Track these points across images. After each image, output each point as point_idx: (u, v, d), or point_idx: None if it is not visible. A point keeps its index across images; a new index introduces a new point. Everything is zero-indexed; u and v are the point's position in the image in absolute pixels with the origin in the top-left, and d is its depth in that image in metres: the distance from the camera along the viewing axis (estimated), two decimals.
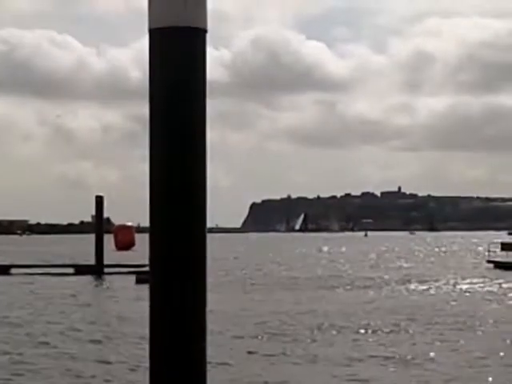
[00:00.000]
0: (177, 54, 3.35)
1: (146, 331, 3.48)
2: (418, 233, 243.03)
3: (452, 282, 40.47)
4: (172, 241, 3.36)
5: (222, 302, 26.38)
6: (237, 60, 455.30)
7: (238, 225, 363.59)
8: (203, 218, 3.43)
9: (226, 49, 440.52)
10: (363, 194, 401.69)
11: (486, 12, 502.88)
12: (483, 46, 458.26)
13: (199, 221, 3.41)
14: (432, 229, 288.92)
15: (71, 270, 44.06)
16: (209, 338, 3.46)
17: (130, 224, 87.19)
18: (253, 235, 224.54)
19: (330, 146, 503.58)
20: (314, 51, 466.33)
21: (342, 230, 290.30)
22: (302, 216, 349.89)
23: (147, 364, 3.46)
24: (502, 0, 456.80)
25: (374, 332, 20.89)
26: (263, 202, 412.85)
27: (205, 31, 3.42)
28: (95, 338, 19.65)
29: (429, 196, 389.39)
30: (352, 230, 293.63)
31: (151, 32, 3.41)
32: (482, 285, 38.58)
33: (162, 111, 3.38)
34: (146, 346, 3.50)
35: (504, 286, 38.14)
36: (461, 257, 74.01)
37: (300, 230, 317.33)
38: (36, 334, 20.49)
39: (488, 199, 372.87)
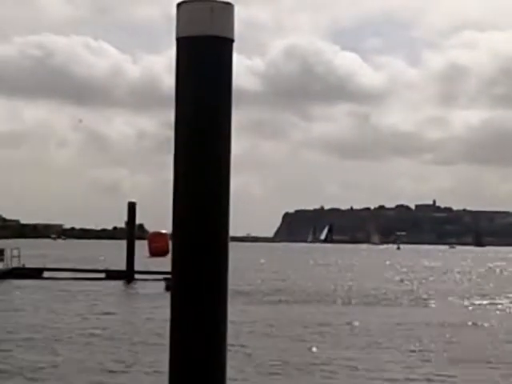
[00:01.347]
0: (203, 63, 3.37)
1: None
2: (458, 247, 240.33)
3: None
4: (194, 250, 3.37)
5: None
6: (270, 69, 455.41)
7: (271, 234, 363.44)
8: (226, 227, 3.44)
9: (259, 58, 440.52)
10: (397, 206, 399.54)
11: None
12: None
13: (222, 230, 3.41)
14: (479, 244, 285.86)
15: (102, 275, 44.28)
16: None
17: (164, 231, 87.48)
18: (281, 245, 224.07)
19: (363, 158, 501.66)
20: (347, 62, 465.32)
21: (382, 242, 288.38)
22: (327, 227, 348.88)
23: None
24: None
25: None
26: (296, 212, 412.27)
27: (232, 40, 3.44)
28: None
29: (464, 210, 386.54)
30: (394, 242, 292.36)
31: (178, 41, 3.43)
32: None
33: (187, 120, 3.40)
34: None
35: None
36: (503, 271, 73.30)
37: (326, 241, 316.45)
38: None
39: None
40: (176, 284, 3.44)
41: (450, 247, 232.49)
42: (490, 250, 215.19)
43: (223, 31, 3.38)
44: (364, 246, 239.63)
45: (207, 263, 3.37)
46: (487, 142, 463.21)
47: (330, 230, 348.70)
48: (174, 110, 3.44)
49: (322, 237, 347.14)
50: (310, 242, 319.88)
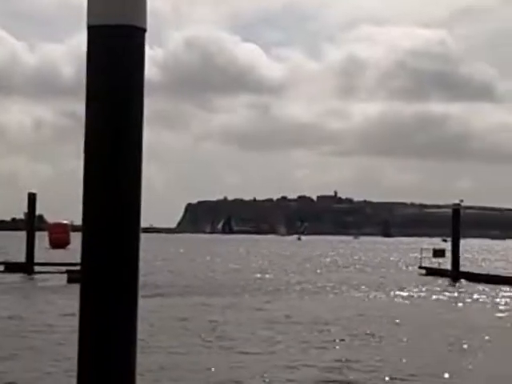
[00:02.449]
0: (115, 53, 3.31)
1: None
2: (364, 238, 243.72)
3: (383, 287, 40.99)
4: (105, 240, 3.32)
5: None
6: (170, 60, 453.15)
7: (174, 225, 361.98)
8: (137, 217, 3.40)
9: (160, 48, 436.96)
10: (299, 197, 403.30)
11: (416, 21, 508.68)
12: (414, 54, 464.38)
13: (133, 220, 3.38)
14: (387, 234, 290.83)
15: (1, 268, 43.35)
16: None
17: (65, 222, 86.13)
18: (180, 236, 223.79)
19: (264, 149, 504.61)
20: (248, 53, 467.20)
21: (290, 233, 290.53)
22: (223, 219, 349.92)
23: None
24: (430, 10, 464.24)
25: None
26: (199, 202, 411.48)
27: (144, 30, 3.39)
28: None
29: (364, 201, 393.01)
30: (302, 233, 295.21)
31: (90, 29, 3.36)
32: (409, 290, 39.13)
33: (99, 110, 3.34)
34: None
35: (429, 291, 38.78)
36: (396, 262, 74.96)
37: (224, 232, 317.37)
38: None
39: (422, 206, 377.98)
40: (86, 276, 3.38)
41: (355, 238, 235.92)
42: (397, 240, 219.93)
43: (136, 20, 3.33)
44: (269, 236, 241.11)
45: (118, 255, 3.33)
46: (385, 133, 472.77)
47: (228, 221, 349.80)
48: (85, 101, 3.37)
49: (219, 227, 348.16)
50: (209, 232, 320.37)
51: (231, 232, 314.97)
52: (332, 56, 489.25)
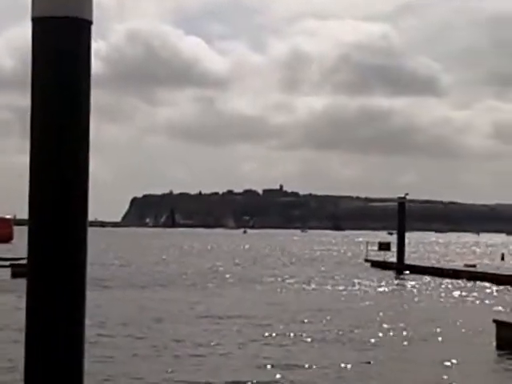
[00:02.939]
0: (61, 45, 3.28)
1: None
2: (314, 231, 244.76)
3: (326, 280, 41.31)
4: (52, 233, 3.30)
5: None
6: (113, 53, 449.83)
7: (119, 219, 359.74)
8: (84, 210, 3.38)
9: (103, 41, 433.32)
10: (245, 191, 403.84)
11: (361, 15, 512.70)
12: (358, 48, 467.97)
13: (80, 213, 3.36)
14: (337, 228, 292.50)
15: None
16: None
17: (7, 216, 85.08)
18: (128, 230, 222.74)
19: (210, 143, 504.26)
20: (192, 47, 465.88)
21: (239, 226, 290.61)
22: (168, 212, 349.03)
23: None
24: (374, 4, 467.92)
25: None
26: (144, 196, 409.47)
27: (90, 22, 3.37)
28: None
29: (310, 195, 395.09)
30: (252, 227, 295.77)
31: (34, 21, 3.32)
32: (353, 283, 39.50)
33: (44, 104, 3.31)
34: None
35: (374, 283, 39.21)
36: (342, 254, 75.58)
37: (167, 226, 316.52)
38: None
39: (367, 199, 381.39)
40: (32, 270, 3.35)
41: (302, 231, 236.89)
42: (347, 233, 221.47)
43: (82, 12, 3.30)
44: (217, 230, 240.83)
45: (65, 248, 3.31)
46: (330, 127, 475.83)
47: (171, 215, 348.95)
48: (31, 94, 3.34)
49: (162, 221, 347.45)
50: (151, 226, 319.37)
51: (174, 226, 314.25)
52: (277, 49, 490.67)
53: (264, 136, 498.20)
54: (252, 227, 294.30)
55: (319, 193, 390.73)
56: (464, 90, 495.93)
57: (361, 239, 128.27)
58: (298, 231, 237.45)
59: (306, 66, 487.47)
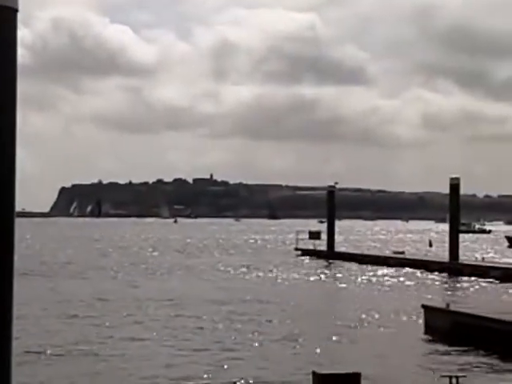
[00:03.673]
0: None
1: None
2: (249, 220, 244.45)
3: (256, 268, 41.50)
4: None
5: None
6: (38, 41, 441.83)
7: (47, 209, 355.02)
8: (12, 201, 3.34)
9: (27, 29, 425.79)
10: (175, 180, 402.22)
11: (288, 5, 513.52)
12: (285, 38, 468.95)
13: (7, 204, 3.32)
14: (273, 216, 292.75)
15: None
16: None
17: None
18: (55, 220, 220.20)
19: (138, 132, 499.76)
20: (117, 35, 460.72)
21: (174, 215, 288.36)
22: (94, 202, 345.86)
23: None
24: None
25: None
26: (73, 186, 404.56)
27: (16, 10, 3.32)
28: None
29: (240, 184, 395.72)
30: (189, 216, 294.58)
31: None
32: (283, 271, 39.78)
33: None
34: None
35: (304, 271, 39.55)
36: (274, 243, 75.95)
37: (93, 216, 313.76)
38: None
39: (297, 188, 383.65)
40: None
41: (236, 220, 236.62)
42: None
43: (7, 0, 3.25)
44: (151, 219, 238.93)
45: None
46: (258, 116, 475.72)
47: (98, 204, 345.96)
48: None
49: (88, 211, 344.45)
50: (77, 216, 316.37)
51: (100, 215, 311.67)
52: (204, 39, 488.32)
53: (192, 125, 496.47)
54: (188, 216, 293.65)
55: (249, 182, 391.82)
56: (391, 80, 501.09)
57: (293, 228, 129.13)
58: (231, 220, 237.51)
59: (233, 56, 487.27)
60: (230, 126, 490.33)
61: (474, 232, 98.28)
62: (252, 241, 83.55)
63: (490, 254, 56.20)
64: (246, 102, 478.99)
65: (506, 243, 73.42)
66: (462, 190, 44.06)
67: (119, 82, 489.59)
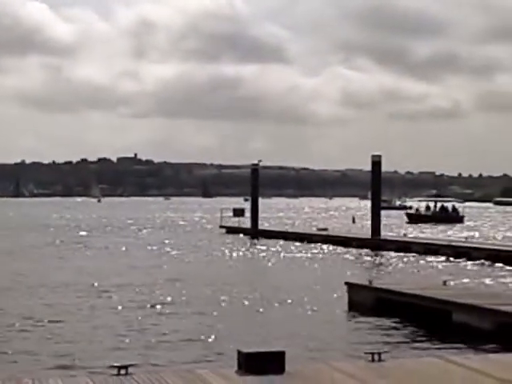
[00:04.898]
0: None
1: None
2: (177, 198, 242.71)
3: (181, 246, 41.42)
4: None
5: None
6: None
7: None
8: None
9: None
10: (99, 159, 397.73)
11: None
12: (205, 16, 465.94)
13: None
14: (206, 195, 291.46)
15: None
16: None
17: None
18: None
19: (60, 111, 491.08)
20: (36, 13, 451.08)
21: (104, 195, 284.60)
22: (15, 182, 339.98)
23: None
24: None
25: None
26: None
27: None
28: None
29: (164, 162, 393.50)
30: (121, 195, 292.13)
31: None
32: (207, 249, 39.78)
33: None
34: None
35: (228, 248, 39.63)
36: (200, 221, 75.84)
37: (14, 196, 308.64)
38: None
39: (221, 166, 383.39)
40: None
41: (165, 199, 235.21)
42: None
43: None
44: (79, 199, 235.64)
45: None
46: (180, 95, 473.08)
47: (17, 185, 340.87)
48: None
49: (10, 190, 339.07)
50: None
51: (19, 195, 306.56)
52: (124, 17, 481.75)
53: (114, 104, 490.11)
54: (121, 196, 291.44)
55: (173, 161, 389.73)
56: (312, 58, 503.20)
57: (219, 206, 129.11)
58: (160, 199, 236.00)
59: (153, 34, 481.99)
60: (152, 105, 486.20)
61: (395, 208, 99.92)
62: (179, 219, 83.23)
63: (410, 230, 57.21)
64: (167, 80, 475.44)
65: (406, 219, 74.42)
66: (384, 167, 44.68)
67: (39, 61, 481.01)
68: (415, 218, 73.27)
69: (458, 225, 68.12)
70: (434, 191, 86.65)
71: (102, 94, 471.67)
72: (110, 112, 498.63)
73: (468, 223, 71.66)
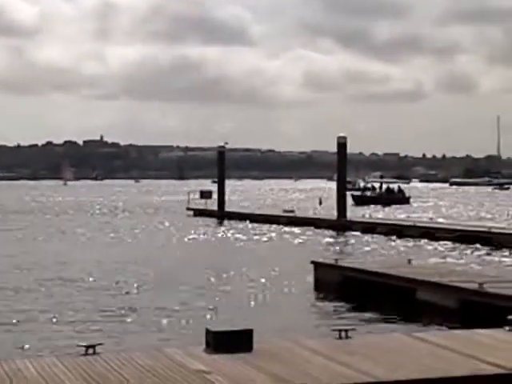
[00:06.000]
0: None
1: None
2: (143, 181, 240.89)
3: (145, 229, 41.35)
4: None
5: None
6: None
7: None
8: None
9: None
10: (65, 142, 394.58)
11: None
12: None
13: None
14: (181, 177, 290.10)
15: None
16: None
17: None
18: None
19: (23, 93, 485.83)
20: None
21: (78, 178, 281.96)
22: None
23: None
24: None
25: None
26: None
27: None
28: None
29: (130, 145, 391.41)
30: (95, 178, 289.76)
31: None
32: (174, 231, 39.78)
33: None
34: None
35: (195, 231, 39.67)
36: (165, 204, 75.66)
37: None
38: None
39: (187, 148, 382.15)
40: None
41: (136, 181, 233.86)
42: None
43: None
44: (50, 182, 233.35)
45: None
46: (145, 77, 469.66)
47: None
48: None
49: None
50: None
51: None
52: None
53: (78, 86, 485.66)
54: (95, 179, 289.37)
55: (139, 143, 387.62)
56: (274, 40, 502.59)
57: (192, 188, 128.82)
58: (131, 181, 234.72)
59: (117, 16, 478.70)
60: (116, 87, 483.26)
61: (359, 190, 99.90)
62: (146, 201, 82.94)
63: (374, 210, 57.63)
64: (132, 62, 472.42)
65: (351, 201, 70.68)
66: (349, 149, 44.83)
67: (1, 43, 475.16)
68: (361, 200, 71.65)
69: (405, 206, 67.72)
70: (379, 173, 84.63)
71: (65, 75, 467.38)
72: (75, 94, 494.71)
73: (415, 204, 71.40)
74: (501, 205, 69.56)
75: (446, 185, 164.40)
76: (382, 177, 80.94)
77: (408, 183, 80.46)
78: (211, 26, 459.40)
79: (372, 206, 66.14)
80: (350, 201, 69.25)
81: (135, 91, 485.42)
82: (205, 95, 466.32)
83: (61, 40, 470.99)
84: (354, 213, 48.42)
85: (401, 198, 72.69)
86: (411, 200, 73.51)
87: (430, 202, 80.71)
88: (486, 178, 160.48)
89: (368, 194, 75.13)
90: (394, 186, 76.38)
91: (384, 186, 75.66)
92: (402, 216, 49.36)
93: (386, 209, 62.60)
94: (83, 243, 33.26)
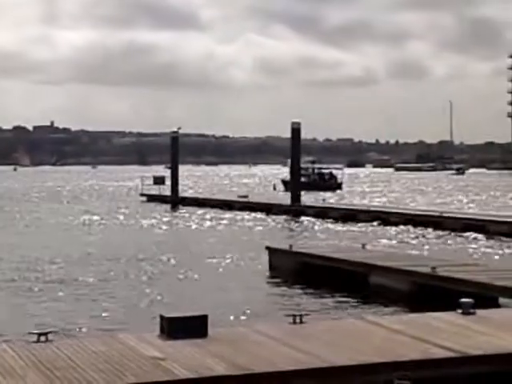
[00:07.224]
0: None
1: None
2: (100, 167, 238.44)
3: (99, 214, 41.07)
4: None
5: None
6: None
7: None
8: None
9: None
10: (14, 127, 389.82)
11: None
12: None
13: None
14: (143, 163, 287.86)
15: None
16: None
17: None
18: None
19: None
20: None
21: (36, 164, 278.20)
22: None
23: None
24: None
25: None
26: None
27: None
28: None
29: (82, 131, 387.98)
30: (54, 164, 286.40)
31: None
32: (126, 216, 39.57)
33: None
34: None
35: (148, 216, 39.49)
36: (119, 189, 75.17)
37: None
38: None
39: (139, 134, 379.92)
40: None
41: (93, 167, 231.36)
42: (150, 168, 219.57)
43: None
44: (4, 167, 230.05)
45: None
46: (95, 62, 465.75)
47: None
48: None
49: None
50: None
51: None
52: None
53: (26, 71, 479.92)
54: (54, 164, 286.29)
55: (91, 129, 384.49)
56: (226, 25, 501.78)
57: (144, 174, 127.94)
58: (88, 167, 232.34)
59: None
60: (66, 72, 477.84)
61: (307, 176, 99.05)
62: (100, 187, 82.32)
63: (328, 195, 57.87)
64: (81, 46, 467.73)
65: (282, 187, 67.80)
66: (303, 135, 44.90)
67: None
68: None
69: (338, 191, 67.36)
70: (311, 158, 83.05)
71: (12, 60, 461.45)
72: (22, 79, 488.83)
73: (346, 189, 71.22)
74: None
75: (392, 170, 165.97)
76: (313, 162, 79.45)
77: (341, 169, 78.99)
78: (161, 10, 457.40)
79: (303, 191, 64.51)
80: (281, 187, 68.06)
81: (85, 76, 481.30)
82: (157, 80, 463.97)
83: (7, 24, 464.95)
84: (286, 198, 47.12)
85: (332, 184, 72.18)
86: (343, 186, 72.92)
87: (364, 188, 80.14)
88: (430, 164, 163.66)
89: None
90: (326, 172, 75.37)
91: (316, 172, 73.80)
92: (332, 201, 49.21)
93: (315, 194, 60.56)
94: (37, 230, 32.93)
